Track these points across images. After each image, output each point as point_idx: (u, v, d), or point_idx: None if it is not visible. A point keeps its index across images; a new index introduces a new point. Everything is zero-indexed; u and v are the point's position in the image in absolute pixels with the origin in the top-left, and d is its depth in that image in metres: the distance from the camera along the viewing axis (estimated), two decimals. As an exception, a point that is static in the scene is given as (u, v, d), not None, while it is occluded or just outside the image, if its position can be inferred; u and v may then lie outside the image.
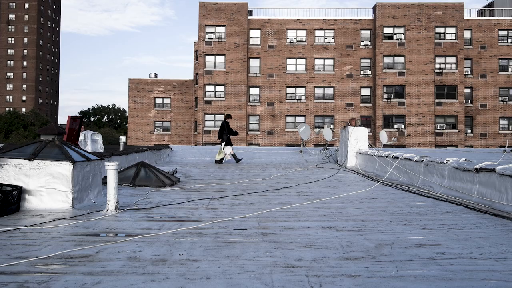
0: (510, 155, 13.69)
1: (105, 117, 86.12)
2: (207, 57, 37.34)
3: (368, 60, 37.37)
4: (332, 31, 37.45)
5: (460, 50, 36.21)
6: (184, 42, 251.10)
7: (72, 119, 9.47)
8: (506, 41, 37.50)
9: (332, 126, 35.70)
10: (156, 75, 42.76)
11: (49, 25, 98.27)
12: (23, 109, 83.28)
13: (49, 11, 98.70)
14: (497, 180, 5.57)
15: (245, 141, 36.25)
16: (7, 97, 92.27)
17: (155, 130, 41.44)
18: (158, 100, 41.69)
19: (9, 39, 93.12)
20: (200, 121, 37.21)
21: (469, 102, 37.04)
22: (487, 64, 37.18)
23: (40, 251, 3.41)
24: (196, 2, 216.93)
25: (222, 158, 14.07)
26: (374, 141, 33.79)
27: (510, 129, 37.20)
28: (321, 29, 37.46)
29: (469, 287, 2.66)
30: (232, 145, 14.38)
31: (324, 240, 3.84)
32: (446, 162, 7.12)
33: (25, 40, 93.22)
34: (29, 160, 5.22)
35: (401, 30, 36.42)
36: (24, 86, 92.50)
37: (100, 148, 15.20)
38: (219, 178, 9.50)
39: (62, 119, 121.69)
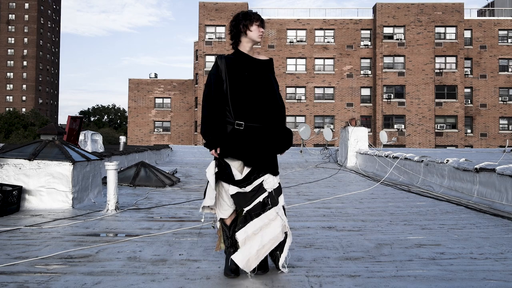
0: (510, 155, 13.69)
1: (105, 117, 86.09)
2: (207, 57, 37.33)
3: (368, 60, 37.35)
4: (332, 31, 37.43)
5: (460, 50, 36.20)
6: (182, 42, 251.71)
7: (72, 119, 9.49)
8: (506, 41, 37.49)
9: (332, 126, 35.69)
10: (156, 75, 42.77)
11: (49, 25, 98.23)
12: (23, 109, 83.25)
13: (49, 11, 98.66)
14: (497, 180, 5.57)
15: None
16: (7, 97, 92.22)
17: (155, 130, 41.42)
18: (158, 100, 41.68)
19: (9, 39, 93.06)
20: (200, 121, 37.17)
21: (469, 102, 37.03)
22: (487, 64, 37.17)
23: (40, 251, 3.41)
24: (193, 3, 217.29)
25: None
26: (374, 141, 33.78)
27: (510, 129, 37.19)
28: (321, 29, 37.44)
29: (469, 287, 2.66)
30: None
31: (324, 240, 3.84)
32: (446, 162, 7.11)
33: (25, 40, 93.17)
34: (29, 160, 5.22)
35: (401, 30, 36.41)
36: (24, 86, 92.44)
37: (100, 148, 15.22)
38: (219, 178, 9.48)
39: (62, 119, 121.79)
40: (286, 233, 2.84)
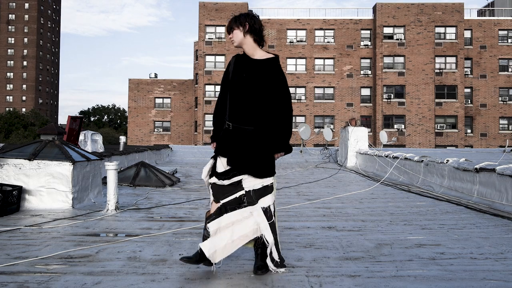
0: (510, 155, 13.70)
1: (105, 117, 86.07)
2: (207, 57, 37.34)
3: (368, 60, 37.36)
4: (332, 31, 37.44)
5: (460, 50, 36.20)
6: (181, 42, 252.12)
7: (72, 119, 9.50)
8: (506, 41, 37.49)
9: (332, 126, 35.70)
10: (156, 75, 42.77)
11: (49, 25, 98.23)
12: (23, 109, 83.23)
13: (49, 11, 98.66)
14: (497, 180, 5.57)
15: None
16: (7, 97, 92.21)
17: (155, 130, 41.43)
18: (158, 100, 41.69)
19: (9, 39, 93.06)
20: (200, 121, 37.20)
21: (469, 102, 37.04)
22: (487, 64, 37.17)
23: (40, 251, 3.41)
24: (193, 4, 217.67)
25: None
26: (374, 141, 33.78)
27: (510, 129, 37.19)
28: (321, 29, 37.45)
29: (469, 287, 2.66)
30: None
31: (324, 240, 3.84)
32: (446, 162, 7.11)
33: (25, 40, 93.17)
34: (29, 160, 5.22)
35: (401, 30, 36.41)
36: (24, 86, 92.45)
37: (100, 148, 15.23)
38: (219, 178, 9.48)
39: (62, 119, 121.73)
40: (271, 236, 2.83)
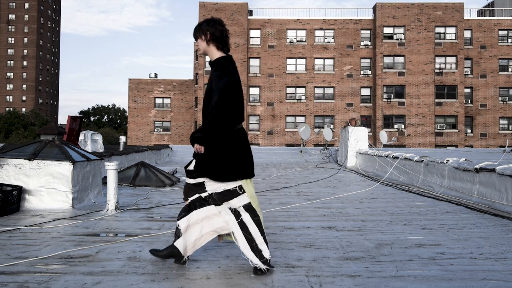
0: (510, 155, 13.70)
1: (105, 117, 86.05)
2: (207, 57, 37.30)
3: (368, 60, 37.35)
4: (332, 31, 37.43)
5: (460, 50, 36.19)
6: (181, 42, 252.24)
7: (72, 119, 9.50)
8: (506, 41, 37.48)
9: (332, 126, 35.69)
10: (156, 75, 42.76)
11: (49, 25, 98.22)
12: (23, 109, 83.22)
13: (49, 11, 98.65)
14: (497, 180, 5.57)
15: (245, 141, 36.12)
16: (7, 97, 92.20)
17: (155, 130, 41.43)
18: (158, 100, 41.68)
19: (9, 39, 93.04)
20: (200, 121, 37.18)
21: (469, 102, 37.03)
22: (487, 64, 37.16)
23: (40, 251, 3.41)
24: (193, 4, 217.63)
25: None
26: (374, 141, 33.77)
27: (510, 129, 37.18)
28: (321, 29, 37.44)
29: (469, 287, 2.66)
30: None
31: (324, 240, 3.84)
32: (446, 162, 7.11)
33: (25, 40, 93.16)
34: (29, 160, 5.22)
35: (401, 30, 36.40)
36: (24, 86, 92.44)
37: (100, 148, 15.22)
38: (219, 178, 9.47)
39: (62, 119, 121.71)
40: (240, 233, 2.84)
